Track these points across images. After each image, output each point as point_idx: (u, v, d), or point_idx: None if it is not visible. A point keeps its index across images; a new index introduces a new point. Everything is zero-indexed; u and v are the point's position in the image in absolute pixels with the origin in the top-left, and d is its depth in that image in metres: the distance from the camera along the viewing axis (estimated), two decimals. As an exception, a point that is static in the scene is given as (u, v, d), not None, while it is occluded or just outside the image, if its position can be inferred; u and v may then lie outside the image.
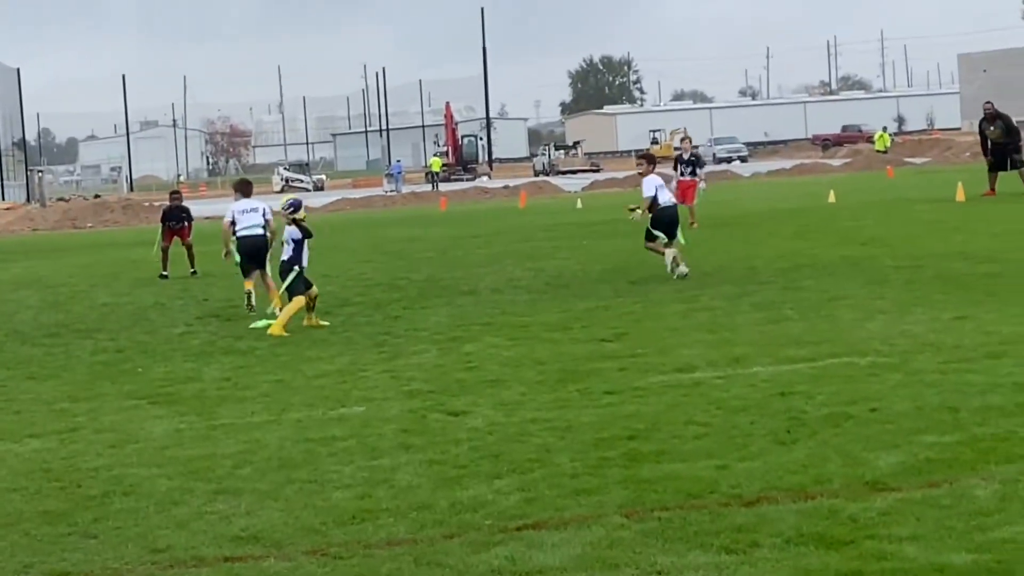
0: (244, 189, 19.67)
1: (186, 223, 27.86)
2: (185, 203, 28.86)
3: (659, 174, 21.34)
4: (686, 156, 30.77)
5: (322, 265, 25.31)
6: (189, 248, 27.00)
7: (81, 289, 24.45)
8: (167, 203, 29.84)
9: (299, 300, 16.79)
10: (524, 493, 8.39)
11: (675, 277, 19.78)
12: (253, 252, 18.53)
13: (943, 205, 31.68)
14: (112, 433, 11.05)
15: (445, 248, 28.83)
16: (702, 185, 31.42)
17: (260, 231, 18.62)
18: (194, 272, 26.02)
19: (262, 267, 18.53)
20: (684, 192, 29.59)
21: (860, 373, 11.57)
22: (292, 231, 17.00)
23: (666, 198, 20.55)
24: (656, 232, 20.38)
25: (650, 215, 20.34)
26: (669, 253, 20.04)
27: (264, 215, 18.76)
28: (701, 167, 30.47)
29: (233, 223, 18.79)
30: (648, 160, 21.95)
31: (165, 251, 26.77)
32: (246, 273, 18.68)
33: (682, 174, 30.49)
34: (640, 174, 21.17)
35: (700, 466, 8.77)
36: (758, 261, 21.57)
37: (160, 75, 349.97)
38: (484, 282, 21.21)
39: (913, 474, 8.27)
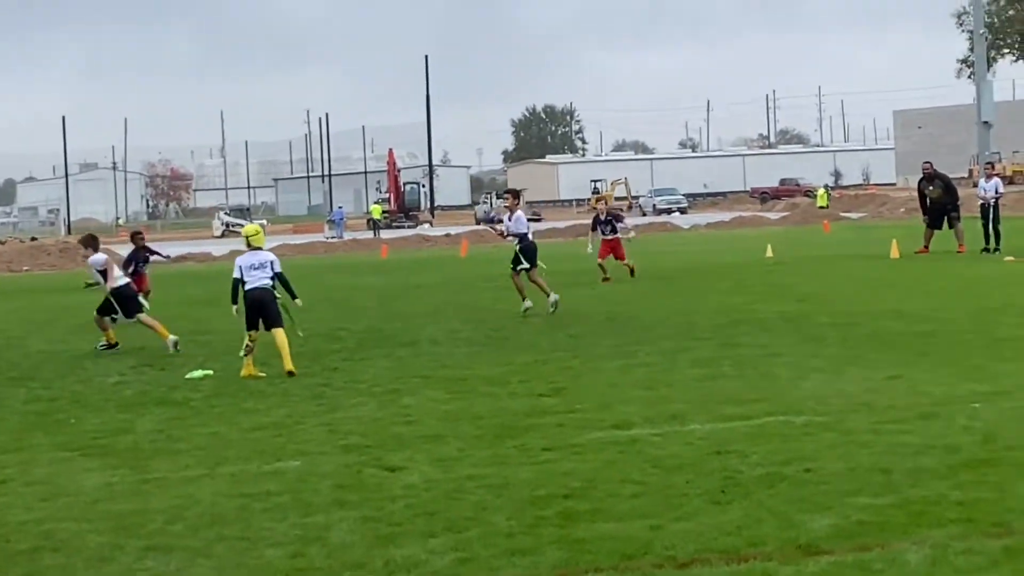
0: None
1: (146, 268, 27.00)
2: (123, 247, 28.52)
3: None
4: (603, 217, 30.82)
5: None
6: (147, 294, 25.71)
7: (15, 335, 24.22)
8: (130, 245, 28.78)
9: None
10: (458, 553, 8.37)
11: (524, 313, 22.91)
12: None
13: (878, 262, 32.00)
14: (43, 486, 10.95)
15: (385, 298, 28.81)
16: (632, 234, 31.61)
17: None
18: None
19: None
20: (612, 250, 29.74)
21: (795, 432, 11.64)
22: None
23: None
24: (524, 262, 23.27)
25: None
26: (553, 297, 22.48)
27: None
28: (620, 221, 30.50)
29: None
30: (514, 195, 24.30)
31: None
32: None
33: (603, 233, 30.57)
34: (506, 206, 23.16)
35: (635, 526, 8.78)
36: (696, 316, 21.67)
37: (101, 117, 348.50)
38: (424, 333, 21.18)
39: (846, 537, 8.32)
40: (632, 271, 30.17)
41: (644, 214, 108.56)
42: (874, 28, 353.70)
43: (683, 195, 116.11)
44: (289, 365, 16.94)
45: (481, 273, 36.05)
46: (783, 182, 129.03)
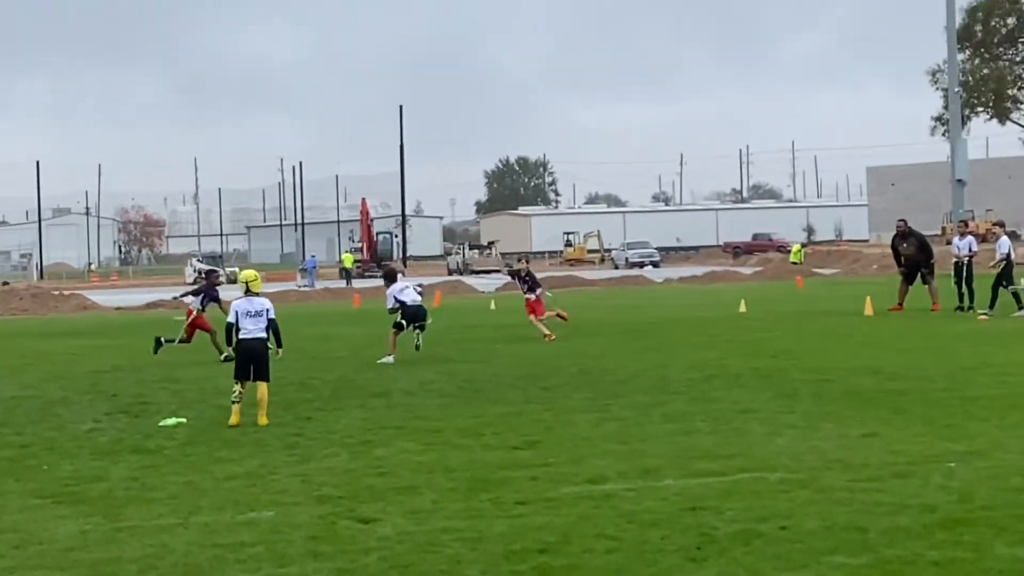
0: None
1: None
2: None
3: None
4: (523, 275, 30.85)
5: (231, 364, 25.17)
6: (212, 334, 26.98)
7: (-14, 381, 24.07)
8: (203, 280, 29.75)
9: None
10: (434, 607, 8.35)
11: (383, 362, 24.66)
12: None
13: (852, 319, 32.12)
14: (15, 533, 10.87)
15: (358, 347, 28.76)
16: (549, 294, 31.67)
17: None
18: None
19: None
20: (532, 308, 29.72)
21: (770, 489, 11.65)
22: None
23: (411, 298, 25.72)
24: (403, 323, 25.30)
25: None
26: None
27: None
28: (535, 282, 30.48)
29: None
30: (388, 278, 26.93)
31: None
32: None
33: (523, 292, 30.52)
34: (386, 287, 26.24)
35: (611, 582, 8.77)
36: (670, 370, 21.70)
37: (75, 162, 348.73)
38: (397, 384, 21.15)
39: (822, 596, 8.32)
40: (563, 317, 30.09)
41: (616, 267, 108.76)
42: (848, 85, 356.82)
43: (656, 249, 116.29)
44: (264, 420, 16.90)
45: (453, 324, 36.01)
46: (756, 237, 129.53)
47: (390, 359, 24.86)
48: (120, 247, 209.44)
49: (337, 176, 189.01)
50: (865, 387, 18.71)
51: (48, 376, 24.48)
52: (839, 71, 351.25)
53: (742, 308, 37.14)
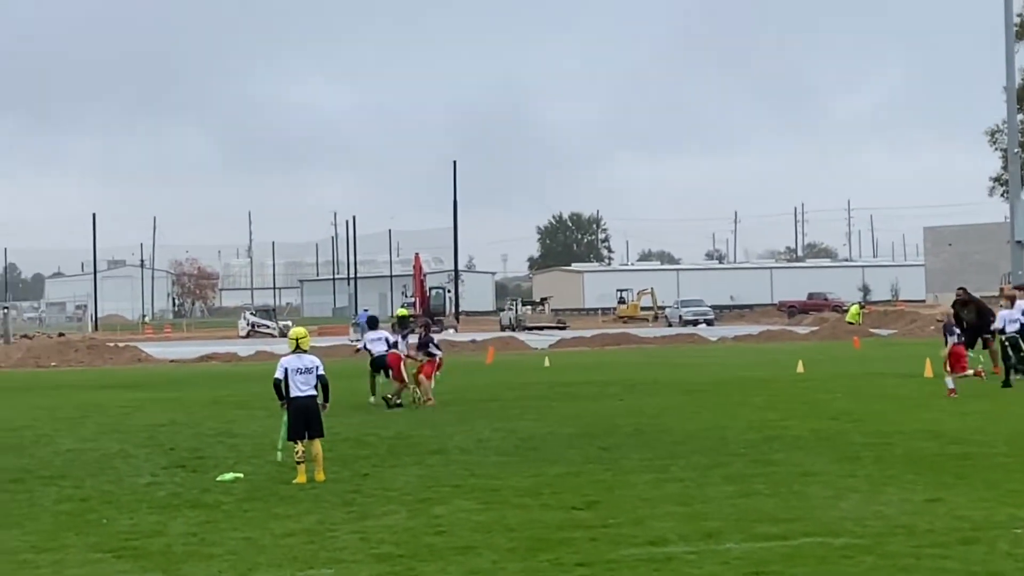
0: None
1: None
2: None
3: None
4: (423, 336, 30.76)
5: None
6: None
7: (45, 433, 24.17)
8: (419, 330, 30.65)
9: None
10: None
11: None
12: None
13: (911, 381, 31.79)
14: (76, 588, 10.88)
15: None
16: (439, 354, 31.20)
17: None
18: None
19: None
20: (423, 369, 29.48)
21: (834, 554, 11.50)
22: None
23: (378, 349, 27.75)
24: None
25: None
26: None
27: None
28: (438, 349, 30.46)
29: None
30: (370, 324, 30.86)
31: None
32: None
33: (423, 353, 30.34)
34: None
35: (676, 648, 8.66)
36: (729, 431, 21.53)
37: (129, 215, 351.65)
38: (453, 441, 21.09)
39: (892, 666, 8.19)
40: (426, 400, 29.39)
41: (670, 324, 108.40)
42: (902, 143, 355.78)
43: (709, 306, 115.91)
44: (321, 476, 16.92)
45: (507, 381, 35.97)
46: (811, 296, 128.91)
47: (372, 400, 28.68)
48: (174, 299, 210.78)
49: (390, 230, 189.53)
50: (927, 451, 18.50)
51: (105, 429, 24.57)
52: (893, 129, 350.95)
53: (800, 368, 36.89)
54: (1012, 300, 32.08)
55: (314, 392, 17.27)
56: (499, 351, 58.59)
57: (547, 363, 46.93)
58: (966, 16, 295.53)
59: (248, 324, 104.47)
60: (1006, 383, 29.31)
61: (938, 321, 31.64)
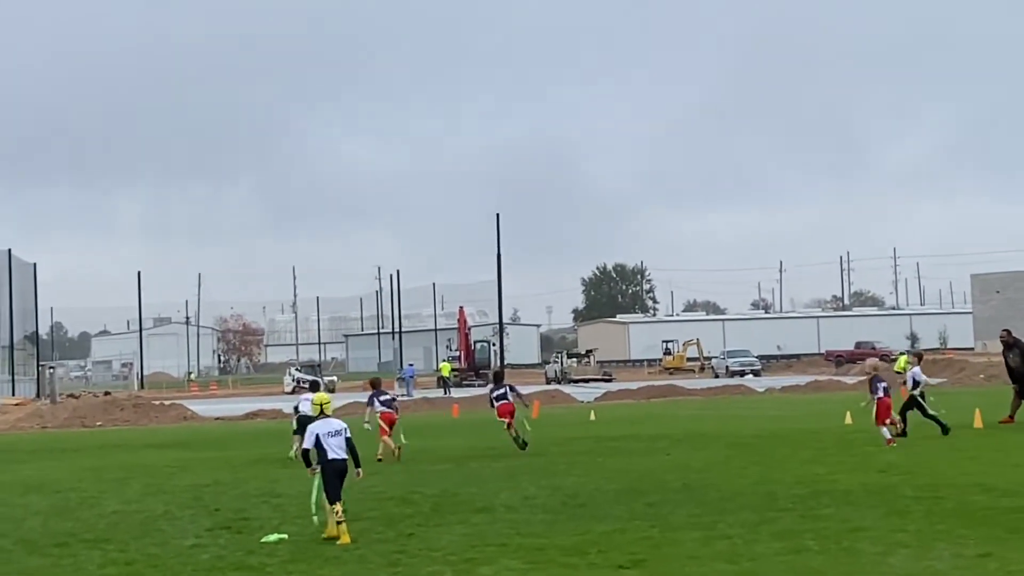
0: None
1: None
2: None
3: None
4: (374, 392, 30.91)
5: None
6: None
7: (90, 495, 24.18)
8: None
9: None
10: None
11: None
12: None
13: (960, 431, 31.42)
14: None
15: (459, 460, 28.60)
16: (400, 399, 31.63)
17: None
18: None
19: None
20: (387, 420, 29.98)
21: (886, 614, 11.30)
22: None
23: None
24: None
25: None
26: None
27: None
28: (395, 399, 30.75)
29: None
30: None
31: None
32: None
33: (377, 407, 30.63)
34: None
35: None
36: (776, 486, 21.30)
37: (174, 272, 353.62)
38: (499, 499, 20.94)
39: None
40: (395, 452, 29.71)
41: (716, 375, 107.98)
42: (948, 190, 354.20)
43: (756, 357, 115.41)
44: (347, 536, 16.77)
45: (552, 436, 35.80)
46: (859, 345, 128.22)
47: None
48: (219, 356, 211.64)
49: (434, 284, 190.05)
50: (978, 504, 18.23)
51: (150, 490, 24.57)
52: (938, 176, 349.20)
53: (848, 420, 36.57)
54: None
55: (346, 454, 17.27)
56: (545, 404, 58.46)
57: (593, 416, 46.75)
58: (1012, 62, 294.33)
59: (293, 380, 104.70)
60: None
61: (866, 374, 31.85)
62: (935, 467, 23.29)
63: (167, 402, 69.04)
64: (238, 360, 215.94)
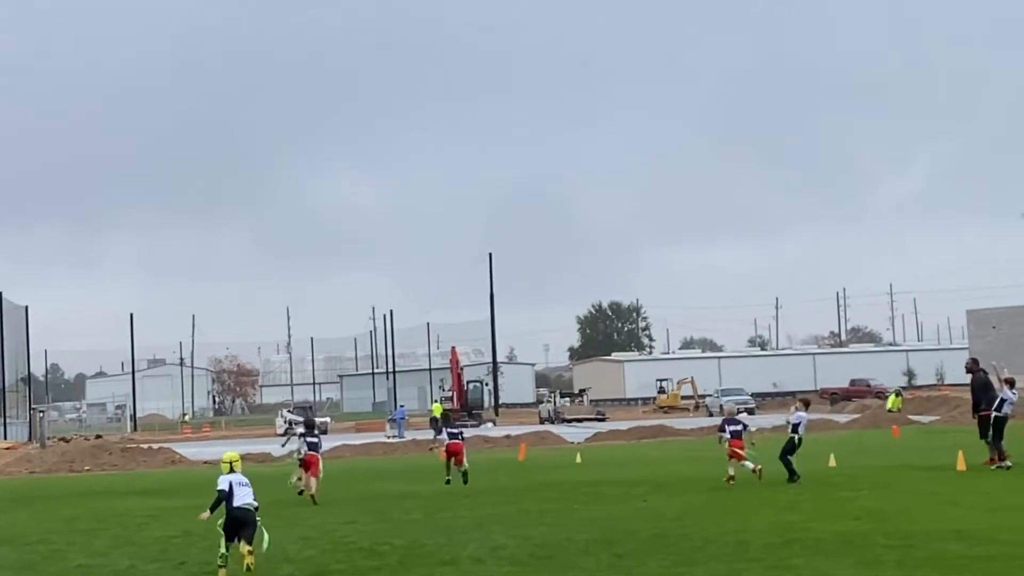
0: None
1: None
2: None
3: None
4: (302, 433, 31.12)
5: (304, 527, 24.88)
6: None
7: (58, 547, 23.77)
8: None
9: None
10: None
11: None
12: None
13: (943, 474, 31.14)
14: None
15: (433, 509, 28.22)
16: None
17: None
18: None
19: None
20: (311, 464, 30.82)
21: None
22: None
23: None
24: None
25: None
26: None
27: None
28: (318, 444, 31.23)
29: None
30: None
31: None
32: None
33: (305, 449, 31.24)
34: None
35: None
36: (750, 534, 20.98)
37: (169, 313, 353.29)
38: (467, 550, 20.61)
39: None
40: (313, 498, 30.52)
41: (711, 414, 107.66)
42: (943, 226, 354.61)
43: (751, 395, 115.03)
44: (251, 561, 18.33)
45: (534, 480, 35.50)
46: (853, 382, 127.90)
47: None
48: (214, 397, 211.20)
49: (428, 324, 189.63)
50: (952, 553, 17.93)
51: (119, 541, 24.21)
52: (935, 212, 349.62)
53: (831, 463, 36.30)
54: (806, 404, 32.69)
55: (254, 503, 19.05)
56: (534, 446, 58.20)
57: (579, 459, 46.43)
58: (1008, 97, 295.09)
59: (286, 422, 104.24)
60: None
61: (722, 420, 32.91)
62: (911, 513, 22.98)
63: (156, 446, 68.66)
64: (233, 401, 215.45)
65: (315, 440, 31.41)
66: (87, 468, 59.74)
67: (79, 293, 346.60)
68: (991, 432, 32.04)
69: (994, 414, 32.02)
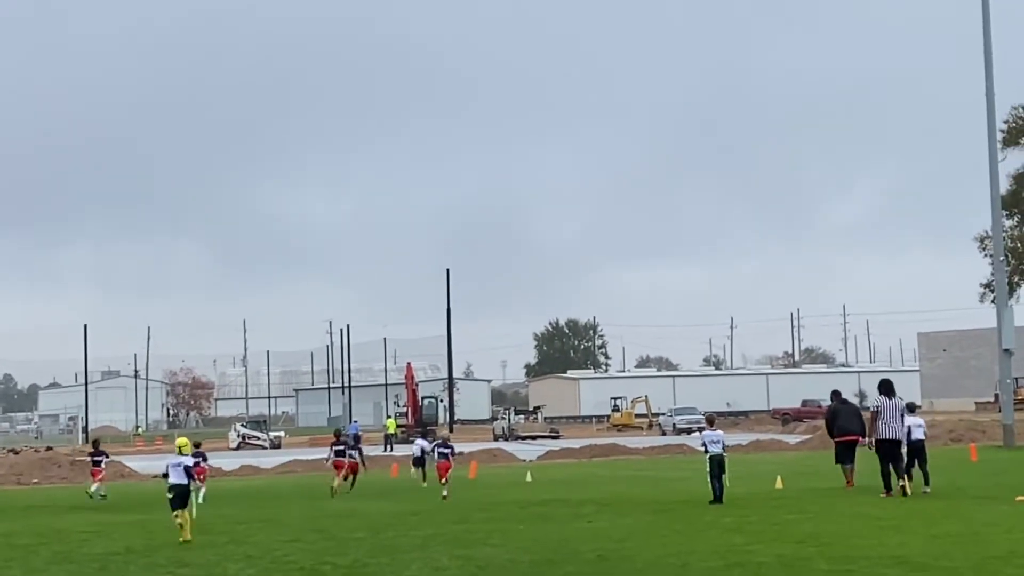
0: None
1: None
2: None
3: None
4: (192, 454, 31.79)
5: (248, 544, 24.74)
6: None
7: (-8, 566, 23.58)
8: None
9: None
10: None
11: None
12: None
13: (888, 499, 31.13)
14: None
15: (379, 527, 28.07)
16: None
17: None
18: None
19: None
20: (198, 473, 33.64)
21: None
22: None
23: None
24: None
25: None
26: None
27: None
28: (205, 461, 33.33)
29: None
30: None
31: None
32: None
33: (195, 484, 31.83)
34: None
35: None
36: (692, 557, 20.96)
37: (124, 325, 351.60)
38: (409, 571, 20.51)
39: None
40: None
41: (664, 433, 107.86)
42: (893, 248, 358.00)
43: (703, 414, 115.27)
44: (188, 536, 25.12)
45: (482, 499, 35.42)
46: (805, 403, 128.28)
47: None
48: (168, 410, 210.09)
49: (385, 339, 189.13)
50: (889, 579, 17.99)
51: (57, 559, 23.95)
52: (887, 235, 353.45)
53: (778, 484, 36.38)
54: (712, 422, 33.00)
55: (185, 480, 25.59)
56: (485, 463, 58.12)
57: (529, 478, 46.40)
58: (957, 122, 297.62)
59: (239, 436, 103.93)
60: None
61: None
62: (853, 537, 22.98)
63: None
64: (187, 414, 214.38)
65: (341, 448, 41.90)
66: (35, 481, 59.38)
67: (34, 303, 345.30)
68: (903, 461, 31.97)
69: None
